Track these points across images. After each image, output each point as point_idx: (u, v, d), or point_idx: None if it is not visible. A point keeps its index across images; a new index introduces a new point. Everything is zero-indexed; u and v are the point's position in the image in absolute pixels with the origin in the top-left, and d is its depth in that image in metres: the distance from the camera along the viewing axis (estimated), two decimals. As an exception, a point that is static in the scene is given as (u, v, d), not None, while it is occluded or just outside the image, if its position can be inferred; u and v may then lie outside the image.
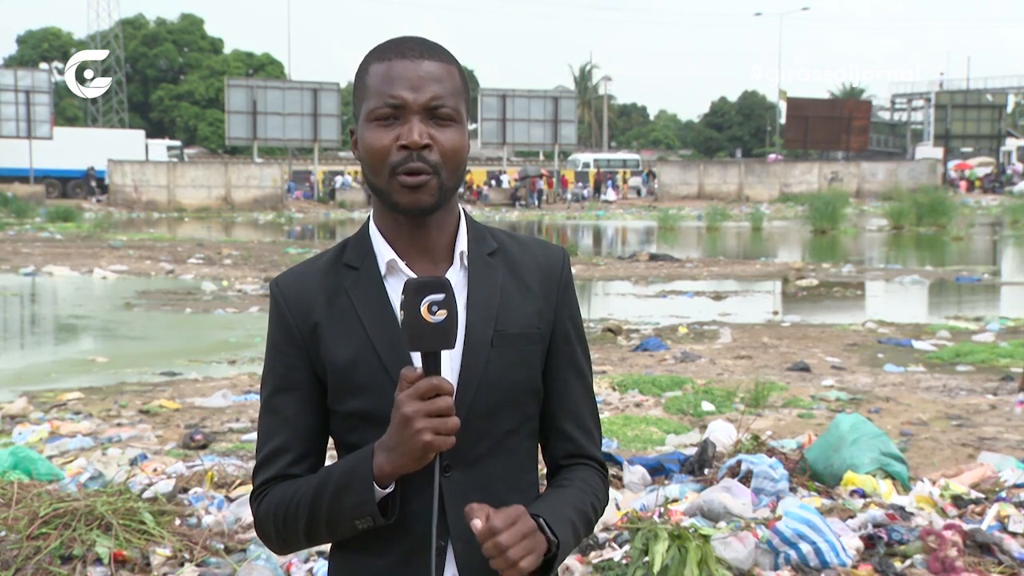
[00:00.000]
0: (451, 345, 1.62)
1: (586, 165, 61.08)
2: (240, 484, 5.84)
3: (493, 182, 56.57)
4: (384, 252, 1.77)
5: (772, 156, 69.84)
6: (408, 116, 1.70)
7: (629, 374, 10.16)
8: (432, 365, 1.61)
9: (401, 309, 1.61)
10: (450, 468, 1.73)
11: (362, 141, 1.74)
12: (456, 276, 1.76)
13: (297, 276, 1.82)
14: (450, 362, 1.71)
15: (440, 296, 1.59)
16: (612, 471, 6.20)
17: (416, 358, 1.65)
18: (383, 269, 1.77)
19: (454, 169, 1.73)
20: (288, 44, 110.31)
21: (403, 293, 1.60)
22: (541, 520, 1.68)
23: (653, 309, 16.21)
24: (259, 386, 1.85)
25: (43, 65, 72.61)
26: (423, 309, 1.58)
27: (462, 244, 1.79)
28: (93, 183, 51.50)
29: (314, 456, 1.81)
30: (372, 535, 1.71)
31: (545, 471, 1.94)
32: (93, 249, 26.34)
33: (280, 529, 1.77)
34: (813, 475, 5.89)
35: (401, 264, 1.75)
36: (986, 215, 42.73)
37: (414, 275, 1.73)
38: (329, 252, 1.84)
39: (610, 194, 56.36)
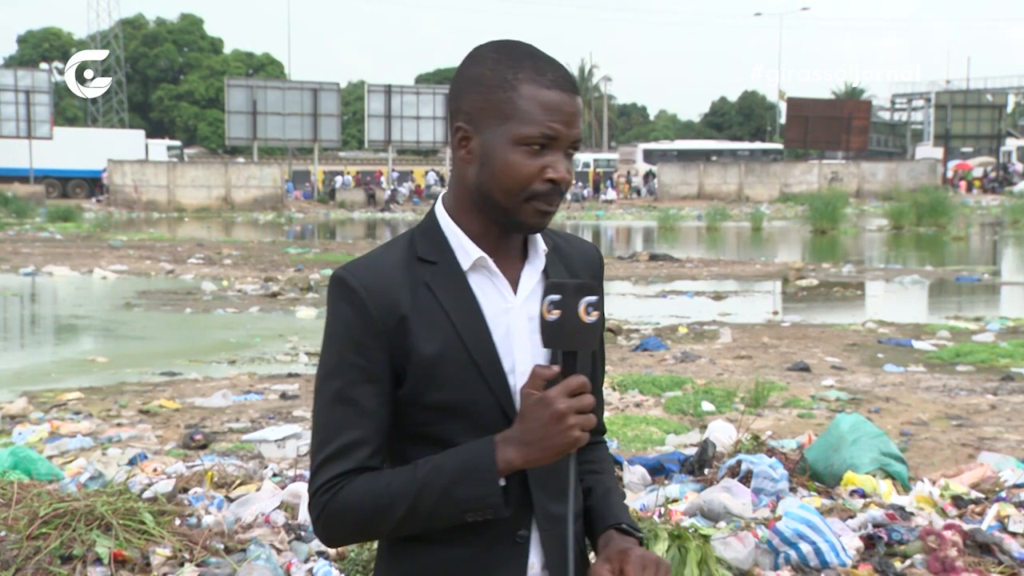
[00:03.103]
0: (596, 345, 1.78)
1: (586, 165, 61.06)
2: (240, 484, 5.84)
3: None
4: (471, 251, 1.81)
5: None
6: (556, 149, 1.77)
7: (629, 374, 10.16)
8: (572, 363, 1.69)
9: (551, 308, 1.68)
10: None
11: (503, 160, 1.77)
12: (531, 272, 1.84)
13: (375, 268, 1.81)
14: (534, 355, 1.78)
15: (595, 298, 1.69)
16: (612, 471, 6.20)
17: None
18: (465, 265, 1.80)
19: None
20: (288, 44, 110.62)
21: (557, 293, 1.69)
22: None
23: (653, 309, 16.20)
24: (317, 376, 1.82)
25: (43, 65, 72.59)
26: (581, 309, 1.68)
27: (539, 242, 1.86)
28: None
29: (386, 449, 1.82)
30: (458, 526, 1.75)
31: None
32: (93, 249, 26.33)
33: (365, 520, 1.75)
34: (813, 475, 5.89)
35: (490, 262, 1.81)
36: (986, 215, 42.74)
37: (500, 274, 1.81)
38: (396, 246, 1.85)
39: (610, 194, 56.37)
